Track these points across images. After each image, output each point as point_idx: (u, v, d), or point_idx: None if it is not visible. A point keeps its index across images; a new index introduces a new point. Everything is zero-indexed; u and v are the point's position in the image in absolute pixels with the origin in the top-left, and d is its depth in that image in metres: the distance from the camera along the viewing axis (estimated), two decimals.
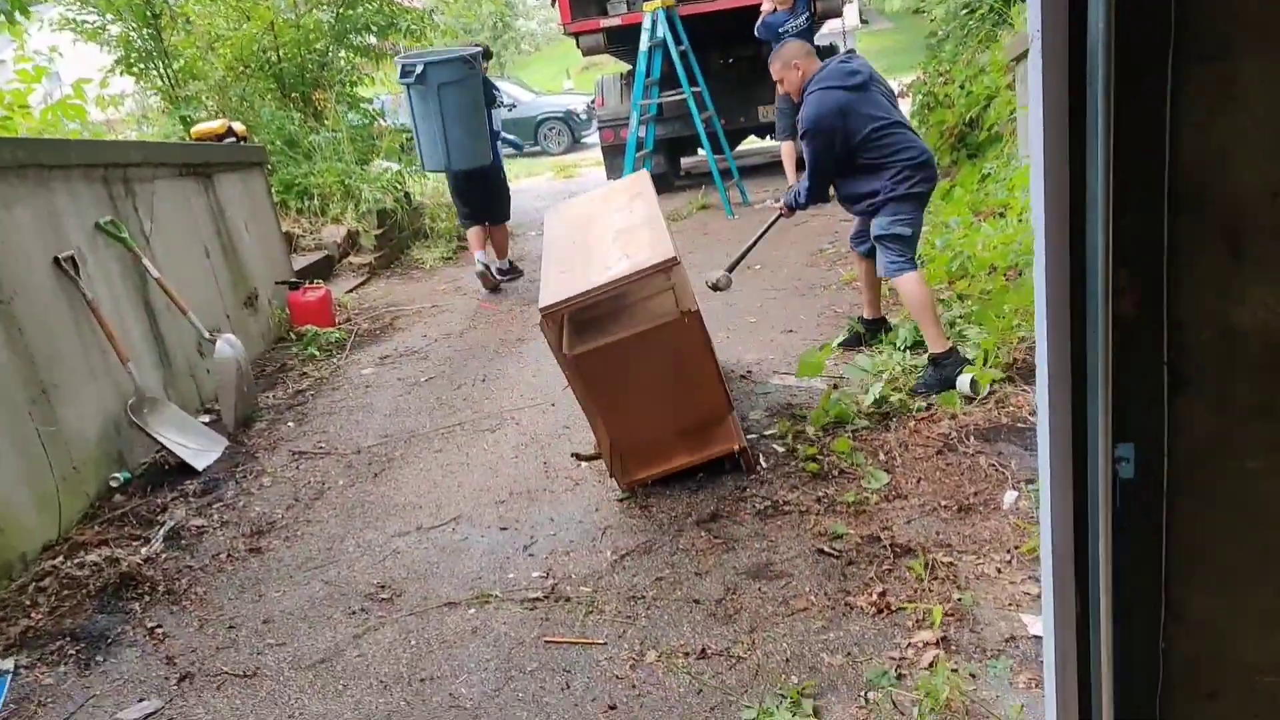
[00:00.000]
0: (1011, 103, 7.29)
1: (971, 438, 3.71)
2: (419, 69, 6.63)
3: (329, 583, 3.55)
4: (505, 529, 3.72)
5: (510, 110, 20.60)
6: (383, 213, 8.92)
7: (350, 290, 8.08)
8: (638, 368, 3.86)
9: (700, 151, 12.51)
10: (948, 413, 3.95)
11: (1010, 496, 3.21)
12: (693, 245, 8.11)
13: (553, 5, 9.94)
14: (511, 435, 4.68)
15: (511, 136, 9.41)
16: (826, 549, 3.13)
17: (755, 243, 5.29)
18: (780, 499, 3.53)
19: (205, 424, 5.28)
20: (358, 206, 8.71)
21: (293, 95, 9.78)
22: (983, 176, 7.57)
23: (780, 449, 3.98)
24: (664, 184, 11.34)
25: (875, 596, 2.79)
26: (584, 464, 4.18)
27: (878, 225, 4.44)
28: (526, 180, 16.29)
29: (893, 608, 2.76)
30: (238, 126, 6.99)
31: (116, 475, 4.55)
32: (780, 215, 4.99)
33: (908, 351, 4.69)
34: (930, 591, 2.79)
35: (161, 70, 8.74)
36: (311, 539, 3.92)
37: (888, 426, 4.01)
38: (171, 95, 8.61)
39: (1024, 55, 6.63)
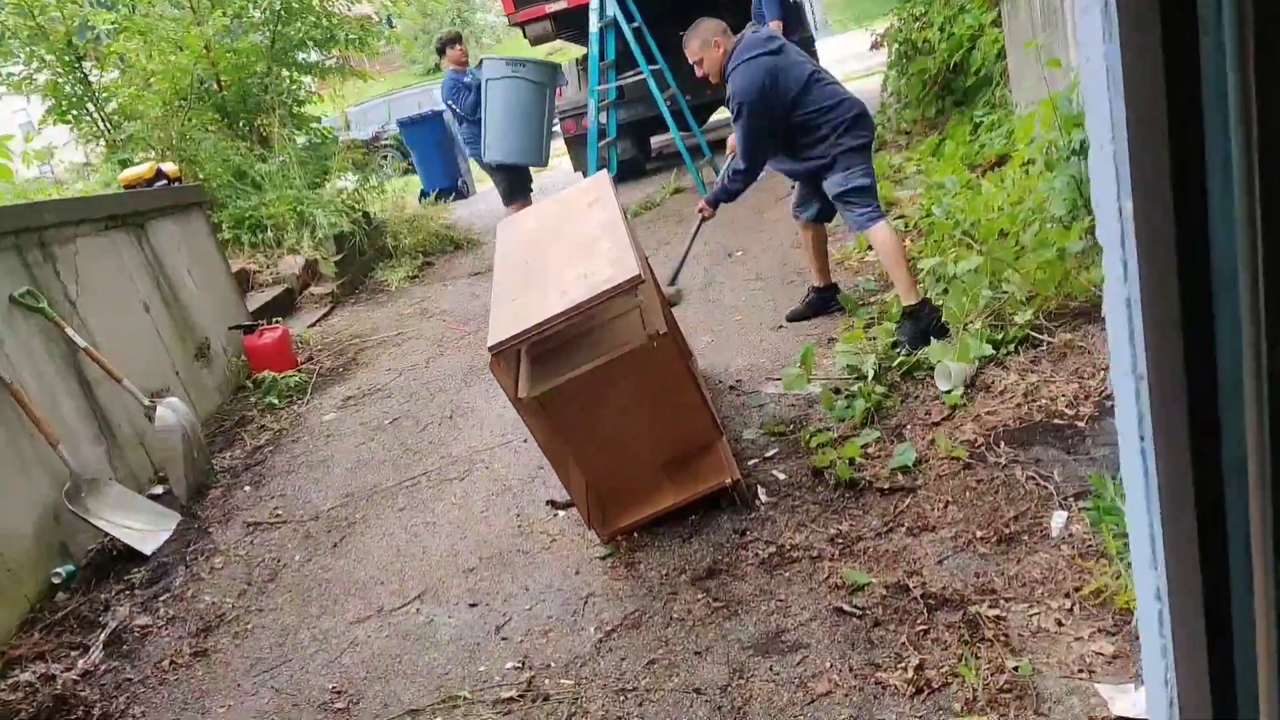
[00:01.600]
0: (999, 40, 6.74)
1: (1002, 443, 3.21)
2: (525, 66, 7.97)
3: (279, 690, 3.07)
4: (475, 605, 3.23)
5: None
6: (341, 237, 8.40)
7: (313, 324, 7.57)
8: (606, 401, 3.38)
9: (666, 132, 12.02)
10: (970, 414, 3.44)
11: (1059, 519, 2.70)
12: (668, 235, 7.59)
13: None
14: (481, 483, 4.18)
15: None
16: (846, 607, 2.63)
17: (688, 252, 5.07)
18: (787, 542, 3.03)
19: (157, 495, 4.81)
20: (314, 234, 8.19)
21: (238, 124, 9.25)
22: (974, 126, 7.04)
23: (782, 475, 3.48)
24: (634, 170, 10.82)
25: (911, 672, 2.29)
26: (560, 513, 3.69)
27: (833, 184, 4.28)
28: None
29: (933, 684, 2.26)
30: (167, 168, 6.47)
31: (59, 570, 4.06)
32: (703, 218, 4.70)
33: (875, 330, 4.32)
34: (977, 658, 2.29)
35: (95, 114, 8.20)
36: (263, 633, 3.43)
37: (901, 435, 3.50)
38: (109, 140, 8.08)
39: None
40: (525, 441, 4.45)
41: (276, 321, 6.98)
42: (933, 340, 3.97)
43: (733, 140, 4.47)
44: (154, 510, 4.52)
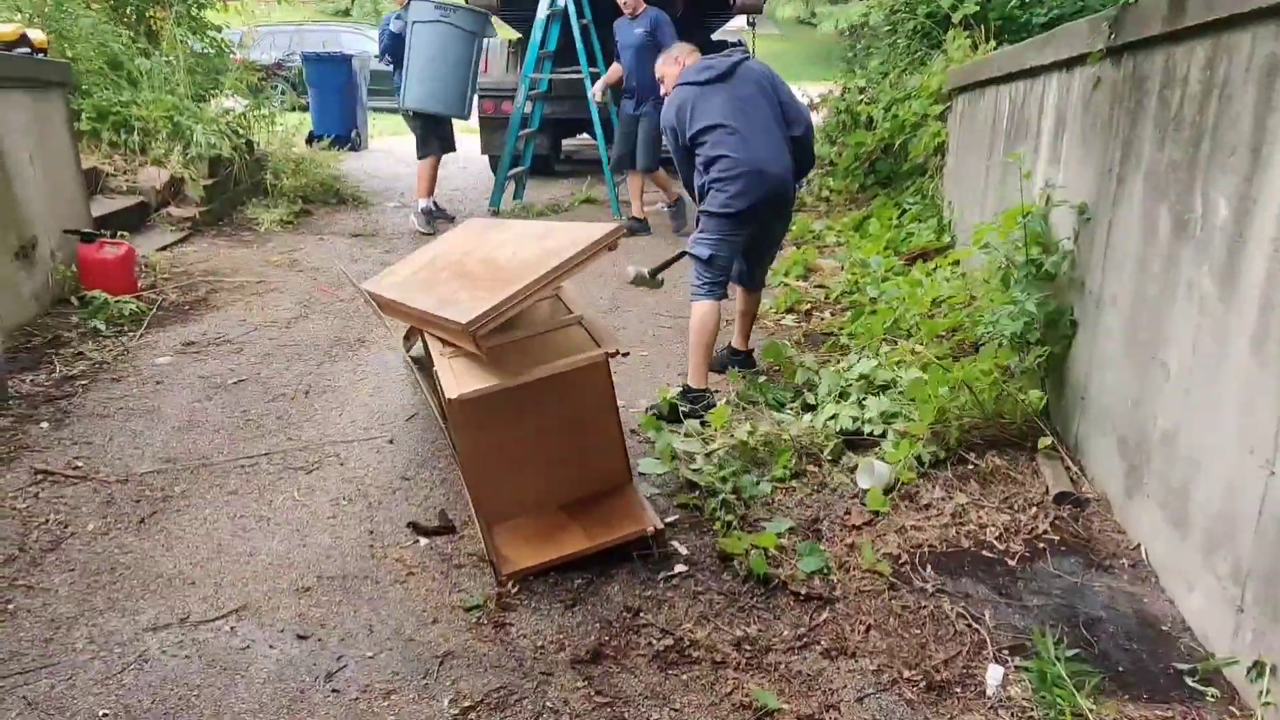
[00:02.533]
0: (940, 135, 6.65)
1: (928, 566, 2.92)
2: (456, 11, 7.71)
3: (32, 704, 2.44)
4: (305, 638, 2.69)
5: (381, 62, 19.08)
6: (217, 160, 7.57)
7: (164, 248, 6.74)
8: (530, 419, 3.00)
9: (583, 135, 11.58)
10: (893, 525, 3.16)
11: (995, 675, 2.42)
12: None
13: None
14: (333, 480, 3.63)
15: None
16: None
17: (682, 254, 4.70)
18: (686, 635, 2.64)
19: None
20: (187, 149, 7.34)
21: (124, 9, 8.26)
22: (900, 212, 6.93)
23: (684, 550, 3.09)
24: (544, 168, 10.36)
25: None
26: (424, 540, 3.19)
27: (690, 241, 4.25)
28: (392, 139, 14.92)
29: None
30: (35, 35, 5.60)
31: None
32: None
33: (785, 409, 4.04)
34: None
35: None
36: (26, 620, 2.78)
37: (818, 532, 3.18)
38: None
39: (966, 88, 5.97)
40: (391, 443, 3.93)
41: (122, 237, 6.15)
42: (686, 423, 3.88)
43: None
44: None
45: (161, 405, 4.27)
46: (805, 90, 10.10)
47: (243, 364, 4.79)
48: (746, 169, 3.96)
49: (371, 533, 3.27)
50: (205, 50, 8.82)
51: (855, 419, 3.69)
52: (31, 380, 4.47)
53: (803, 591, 2.82)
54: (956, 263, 5.54)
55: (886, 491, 3.35)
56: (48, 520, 3.31)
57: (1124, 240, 3.05)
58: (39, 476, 3.60)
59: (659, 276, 4.64)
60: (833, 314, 5.36)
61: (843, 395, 3.89)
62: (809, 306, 5.48)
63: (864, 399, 3.81)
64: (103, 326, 5.09)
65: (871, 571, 2.89)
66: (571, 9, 7.93)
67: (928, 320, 4.42)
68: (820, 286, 5.79)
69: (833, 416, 3.71)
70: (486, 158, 10.07)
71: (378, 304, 3.89)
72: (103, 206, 6.72)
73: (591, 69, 8.10)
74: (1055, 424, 3.64)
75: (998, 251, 3.96)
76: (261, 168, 8.33)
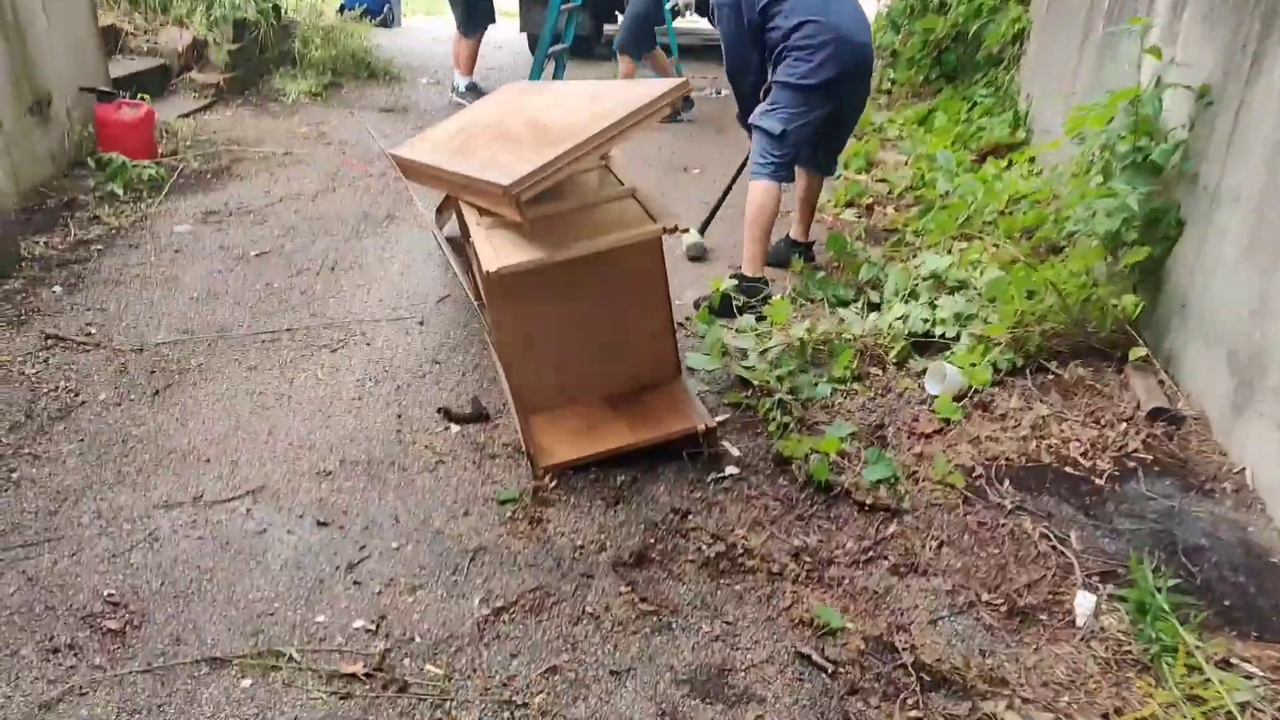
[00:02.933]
0: (1020, 20, 6.14)
1: (1005, 480, 2.66)
2: None
3: (33, 580, 2.27)
4: (325, 525, 2.49)
5: None
6: (242, 23, 7.15)
7: (186, 115, 6.40)
8: (579, 298, 2.75)
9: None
10: (966, 434, 2.88)
11: (1085, 604, 2.17)
12: None
13: None
14: (358, 360, 3.39)
15: None
16: (815, 656, 2.04)
17: (723, 199, 4.54)
18: (739, 542, 2.41)
19: None
20: (210, 9, 6.93)
21: None
22: (970, 105, 6.47)
23: (735, 451, 2.85)
24: (585, 50, 9.79)
25: None
26: (455, 428, 2.96)
27: (755, 112, 3.84)
28: (425, 18, 14.31)
29: None
30: None
31: None
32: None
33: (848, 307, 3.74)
34: None
35: None
36: (29, 490, 2.60)
37: (883, 439, 2.92)
38: None
39: None
40: (422, 324, 3.68)
41: (142, 98, 5.84)
42: (742, 315, 3.60)
43: None
44: None
45: (180, 274, 4.03)
46: None
47: (265, 236, 4.52)
48: (833, 34, 3.57)
49: (399, 416, 3.04)
50: None
51: (926, 320, 3.38)
52: (45, 242, 4.23)
53: (868, 501, 2.57)
54: (1033, 159, 5.14)
55: (958, 399, 3.07)
56: (57, 388, 3.11)
57: (1257, 126, 2.68)
58: (49, 341, 3.39)
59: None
60: (896, 209, 4.99)
61: (912, 295, 3.58)
62: (871, 201, 5.11)
63: (935, 299, 3.49)
64: (120, 191, 4.82)
65: (943, 483, 2.64)
66: None
67: (1005, 217, 4.06)
68: (882, 180, 5.41)
69: (901, 317, 3.40)
70: (525, 36, 9.55)
71: (406, 169, 3.56)
72: (122, 67, 6.37)
73: None
74: (1146, 334, 3.32)
75: (1095, 140, 3.57)
76: (289, 35, 7.89)
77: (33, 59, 4.85)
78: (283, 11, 7.91)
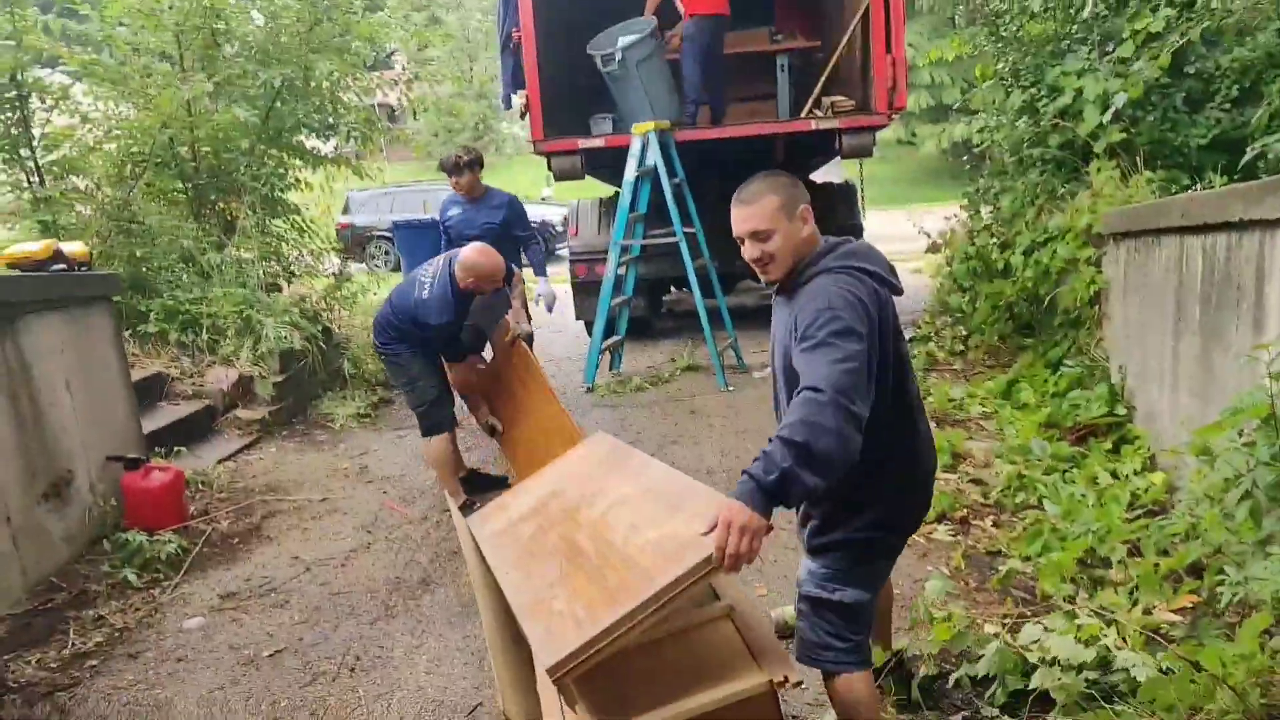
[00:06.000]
0: (1096, 282, 5.65)
1: None
2: None
3: None
4: None
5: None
6: (289, 353, 7.07)
7: (227, 458, 6.17)
8: None
9: (682, 289, 10.90)
10: None
11: None
12: (675, 431, 6.31)
13: (522, 118, 8.33)
14: None
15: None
16: None
17: None
18: None
19: None
20: (257, 345, 6.86)
21: (207, 199, 8.03)
22: (1054, 370, 5.90)
23: None
24: (643, 329, 9.65)
25: None
26: None
27: (806, 571, 2.48)
28: None
29: None
30: (70, 248, 5.19)
31: None
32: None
33: None
34: None
35: (27, 161, 6.94)
36: None
37: None
38: (32, 194, 6.80)
39: (1132, 234, 4.99)
40: None
41: (179, 452, 5.62)
42: None
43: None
44: None
45: (174, 697, 3.50)
46: (918, 218, 9.25)
47: (284, 625, 4.02)
48: (927, 470, 2.57)
49: None
50: (285, 233, 8.51)
51: None
52: (38, 660, 3.78)
53: None
54: (1141, 449, 4.49)
55: None
56: None
57: None
58: None
59: None
60: (997, 524, 4.32)
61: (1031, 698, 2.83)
62: (965, 512, 4.46)
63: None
64: (133, 577, 4.42)
65: None
66: (661, 168, 7.33)
67: (1142, 564, 3.35)
68: (975, 482, 4.77)
69: None
70: (582, 323, 9.42)
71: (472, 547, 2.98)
72: (166, 415, 6.23)
73: (687, 230, 7.42)
74: None
75: (1229, 466, 2.94)
76: (339, 353, 7.82)
77: (52, 440, 4.63)
78: (333, 332, 7.88)
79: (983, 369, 6.82)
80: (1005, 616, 3.48)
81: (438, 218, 6.63)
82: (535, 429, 5.18)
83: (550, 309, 7.03)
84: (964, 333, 7.38)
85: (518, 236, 6.44)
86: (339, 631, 3.93)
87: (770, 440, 2.03)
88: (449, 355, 5.15)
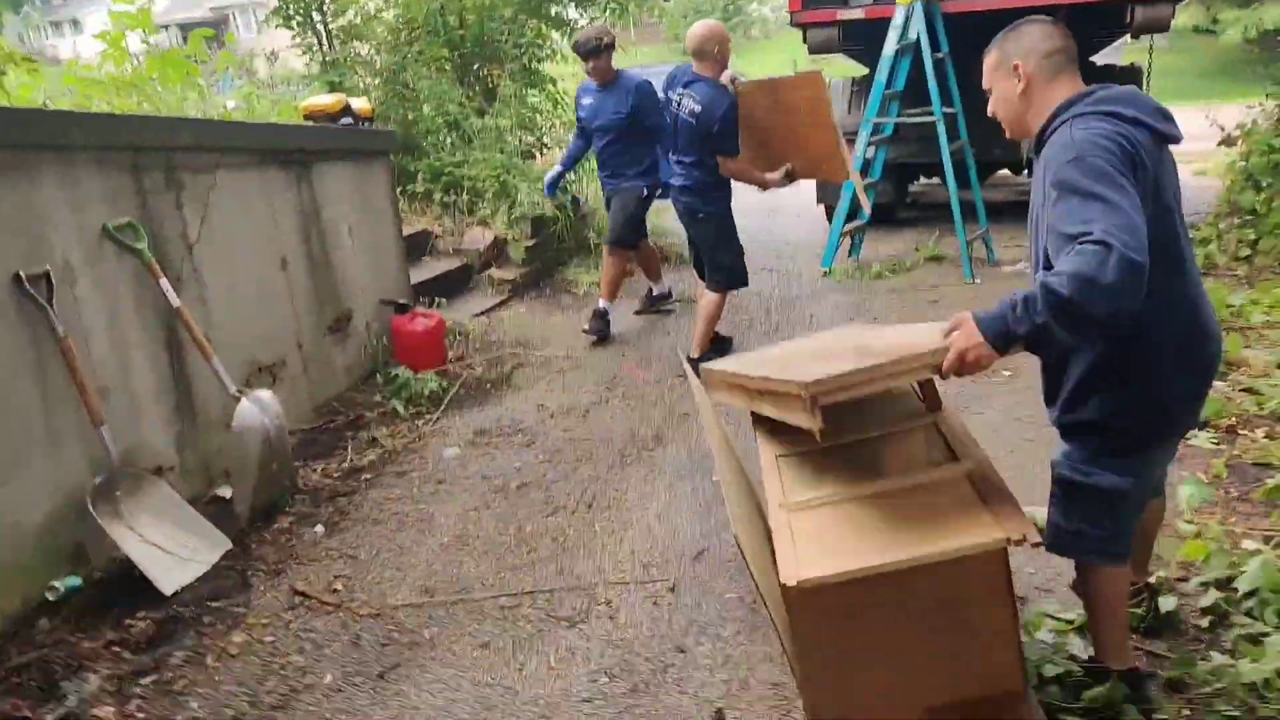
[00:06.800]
0: None
1: None
2: None
3: None
4: None
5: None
6: (540, 219, 7.40)
7: (481, 313, 6.61)
8: (894, 606, 2.17)
9: (931, 178, 10.44)
10: None
11: None
12: (916, 318, 6.09)
13: None
14: (596, 642, 2.98)
15: None
16: None
17: None
18: None
19: (219, 499, 3.92)
20: (512, 209, 7.23)
21: (470, 68, 8.41)
22: None
23: None
24: (886, 215, 9.33)
25: None
26: None
27: (1061, 452, 2.33)
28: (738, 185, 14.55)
29: None
30: (358, 104, 5.61)
31: (56, 584, 3.20)
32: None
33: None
34: None
35: (320, 26, 7.51)
36: None
37: None
38: (324, 56, 7.36)
39: None
40: (672, 590, 3.24)
41: (440, 303, 6.06)
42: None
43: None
44: (200, 529, 3.60)
45: (436, 513, 3.89)
46: (1215, 112, 8.33)
47: (529, 462, 4.34)
48: (1218, 346, 2.26)
49: None
50: (542, 104, 8.79)
51: None
52: (322, 470, 4.29)
53: None
54: None
55: None
56: (287, 665, 2.95)
57: None
58: (296, 600, 3.29)
59: None
60: (1269, 435, 3.97)
61: None
62: (1234, 420, 4.12)
63: None
64: (401, 408, 4.90)
65: None
66: (925, 40, 6.95)
67: None
68: (1248, 390, 4.38)
69: None
70: (822, 207, 9.24)
71: (709, 381, 3.11)
72: (428, 270, 6.73)
73: (946, 109, 7.05)
74: None
75: None
76: (586, 225, 8.11)
77: (336, 281, 5.12)
78: (581, 203, 8.14)
79: (1271, 275, 6.16)
80: (1272, 532, 3.23)
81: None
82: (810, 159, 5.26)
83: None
84: (1252, 236, 6.67)
85: (648, 128, 5.89)
86: (578, 473, 4.21)
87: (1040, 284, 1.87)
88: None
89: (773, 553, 2.17)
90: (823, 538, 2.15)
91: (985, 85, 2.32)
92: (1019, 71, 2.22)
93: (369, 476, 4.24)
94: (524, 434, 4.67)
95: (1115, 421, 2.23)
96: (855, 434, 2.53)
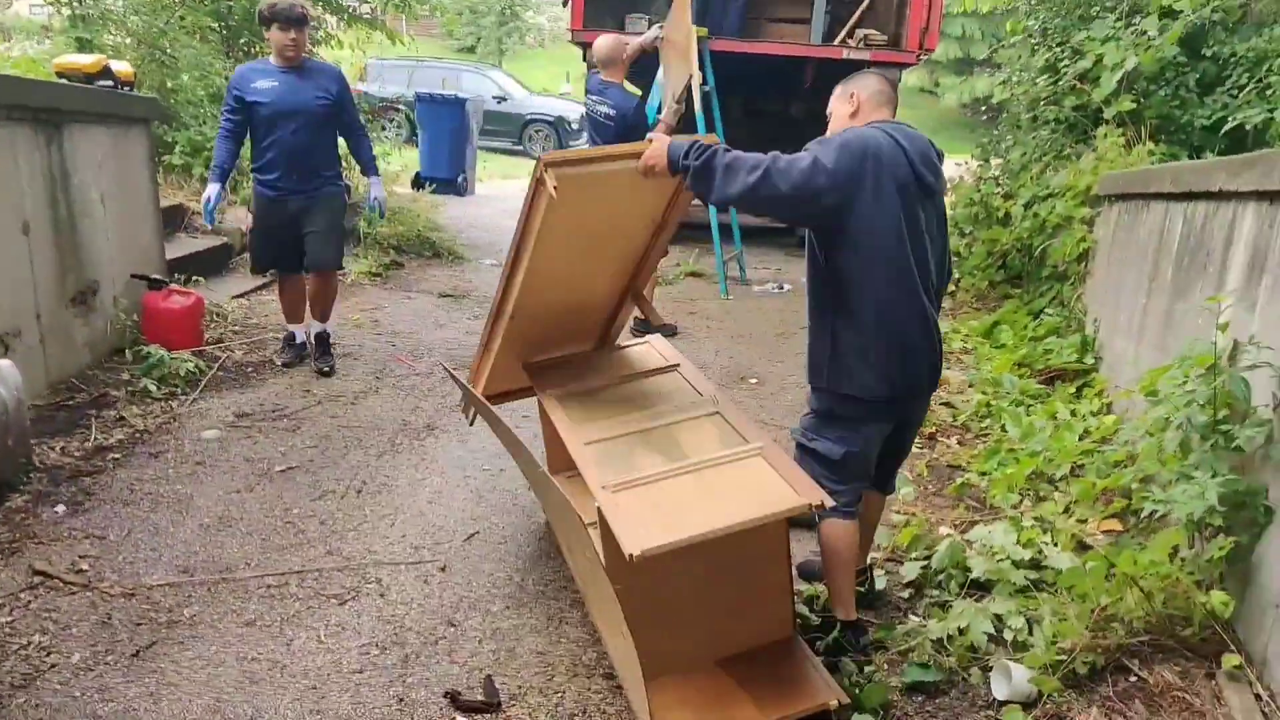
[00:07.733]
0: (1085, 241, 5.90)
1: None
2: None
3: None
4: None
5: (499, 104, 18.96)
6: None
7: (241, 295, 6.40)
8: (701, 565, 2.58)
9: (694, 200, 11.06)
10: None
11: None
12: (678, 328, 6.58)
13: (564, 4, 8.37)
14: (367, 618, 3.06)
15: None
16: None
17: None
18: None
19: None
20: None
21: (237, 42, 8.08)
22: (1035, 318, 6.19)
23: None
24: None
25: None
26: (460, 718, 2.60)
27: (801, 420, 2.88)
28: (502, 183, 14.70)
29: None
30: (119, 67, 5.30)
31: None
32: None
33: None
34: None
35: None
36: None
37: None
38: (73, 11, 6.84)
39: (1125, 196, 5.22)
40: (443, 570, 3.37)
41: (197, 282, 5.82)
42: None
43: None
44: None
45: (195, 494, 3.80)
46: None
47: (296, 446, 4.31)
48: (919, 355, 2.73)
49: (400, 700, 2.68)
50: None
51: (991, 631, 2.95)
52: (62, 448, 4.05)
53: None
54: (1101, 392, 4.79)
55: (1027, 707, 2.65)
56: (29, 644, 2.82)
57: None
58: (35, 579, 3.13)
59: None
60: (960, 442, 4.64)
61: (973, 586, 3.18)
62: (933, 429, 4.77)
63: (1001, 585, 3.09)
64: (154, 387, 4.69)
65: None
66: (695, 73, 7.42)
67: (1079, 479, 3.69)
68: (946, 405, 5.08)
69: (962, 629, 2.97)
70: None
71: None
72: (184, 246, 6.44)
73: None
74: (1240, 631, 2.87)
75: (1171, 405, 3.22)
76: (356, 213, 7.98)
77: (82, 248, 4.83)
78: (352, 190, 8.00)
79: (969, 310, 7.10)
80: (958, 521, 3.82)
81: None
82: None
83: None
84: (956, 275, 7.64)
85: (347, 122, 5.24)
86: (347, 458, 4.23)
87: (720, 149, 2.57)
88: None
89: (604, 530, 2.39)
90: (652, 512, 2.37)
91: (829, 110, 2.88)
92: (854, 99, 2.80)
93: (118, 456, 4.05)
94: (289, 419, 4.61)
95: (825, 394, 2.77)
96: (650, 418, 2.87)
